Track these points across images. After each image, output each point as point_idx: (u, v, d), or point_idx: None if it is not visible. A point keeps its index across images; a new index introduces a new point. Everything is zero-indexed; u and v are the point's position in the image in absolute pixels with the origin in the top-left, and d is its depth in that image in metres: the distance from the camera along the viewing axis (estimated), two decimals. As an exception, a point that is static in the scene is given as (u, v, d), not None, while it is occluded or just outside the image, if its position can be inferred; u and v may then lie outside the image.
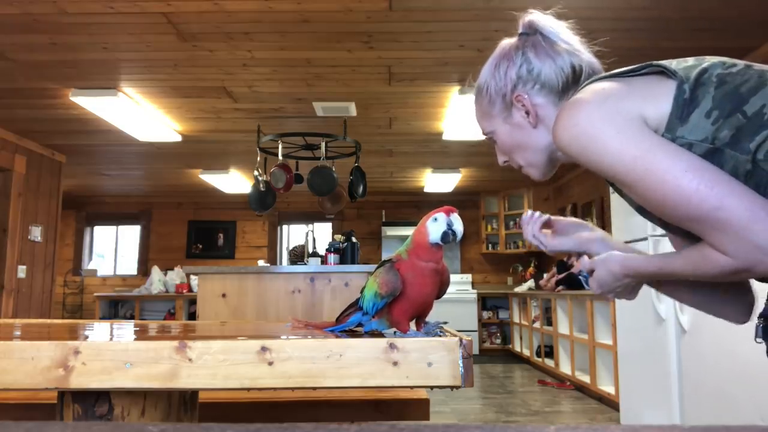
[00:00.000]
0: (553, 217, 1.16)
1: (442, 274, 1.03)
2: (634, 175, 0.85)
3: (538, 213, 1.14)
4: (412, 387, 0.92)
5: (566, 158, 1.06)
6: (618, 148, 0.86)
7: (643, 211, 0.99)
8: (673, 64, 0.92)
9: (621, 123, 0.87)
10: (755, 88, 0.84)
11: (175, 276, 7.27)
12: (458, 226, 0.98)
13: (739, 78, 0.86)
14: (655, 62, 0.92)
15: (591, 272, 1.05)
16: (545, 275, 6.02)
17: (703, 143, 0.84)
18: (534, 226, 1.13)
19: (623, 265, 1.00)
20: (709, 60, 0.91)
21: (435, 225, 0.99)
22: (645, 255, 1.02)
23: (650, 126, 0.88)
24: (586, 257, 1.08)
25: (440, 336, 0.93)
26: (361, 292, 1.08)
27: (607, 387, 4.46)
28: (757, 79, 0.85)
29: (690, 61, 0.93)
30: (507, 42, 1.10)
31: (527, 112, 1.05)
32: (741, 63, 0.90)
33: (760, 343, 0.92)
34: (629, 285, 1.03)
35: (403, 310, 1.00)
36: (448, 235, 0.98)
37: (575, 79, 1.04)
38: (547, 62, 1.04)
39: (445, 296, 1.10)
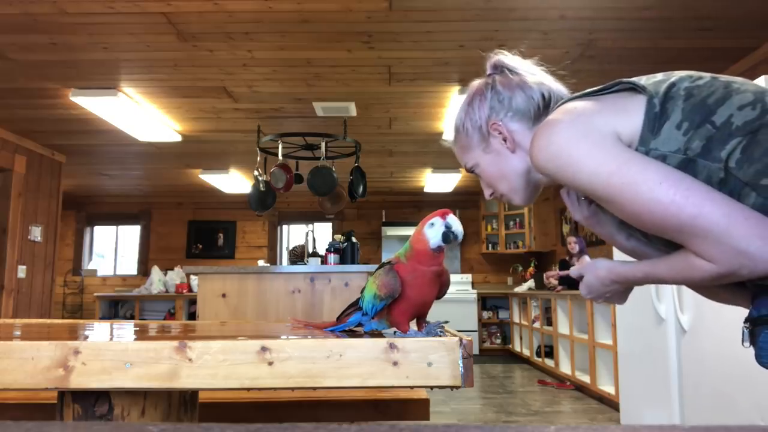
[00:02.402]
0: None
1: (441, 276, 1.03)
2: (611, 190, 0.87)
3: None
4: (412, 387, 0.92)
5: (548, 180, 1.08)
6: (593, 164, 0.88)
7: (623, 225, 1.02)
8: (642, 80, 0.94)
9: (595, 139, 0.89)
10: (722, 99, 0.87)
11: (175, 276, 7.27)
12: (457, 227, 0.99)
13: (706, 90, 0.89)
14: (624, 79, 0.95)
15: (580, 277, 1.08)
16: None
17: (676, 154, 0.86)
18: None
19: (610, 270, 1.03)
20: (677, 74, 0.94)
21: (432, 230, 0.99)
22: (632, 261, 1.04)
23: (623, 141, 0.90)
24: (576, 265, 1.12)
25: (440, 336, 0.93)
26: (361, 292, 1.08)
27: (607, 387, 4.46)
28: (723, 90, 0.88)
29: (659, 76, 0.95)
30: (476, 82, 1.15)
31: (504, 139, 1.09)
32: (707, 75, 0.93)
33: (747, 347, 0.93)
34: (617, 290, 1.06)
35: (402, 311, 1.00)
36: (449, 235, 0.98)
37: (545, 106, 1.08)
38: (517, 92, 1.09)
39: (445, 296, 1.11)
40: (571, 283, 5.55)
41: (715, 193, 0.82)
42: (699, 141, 0.85)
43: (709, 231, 0.80)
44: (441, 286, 1.04)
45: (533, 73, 1.12)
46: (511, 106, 1.08)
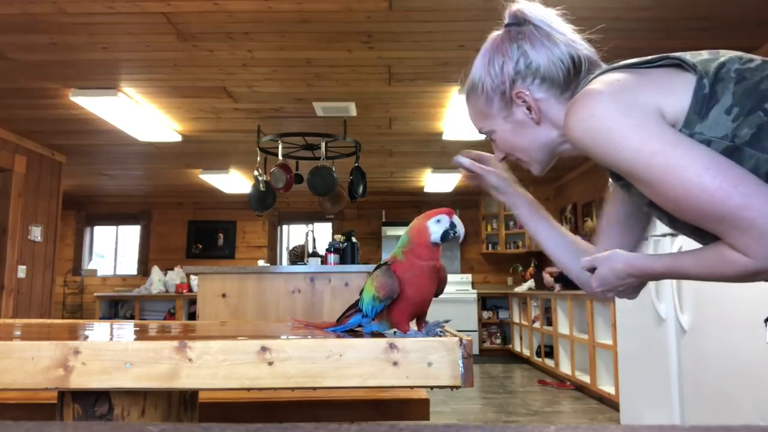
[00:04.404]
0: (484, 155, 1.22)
1: (439, 272, 1.03)
2: (653, 171, 0.81)
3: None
4: (412, 387, 0.92)
5: (572, 151, 1.01)
6: (636, 142, 0.82)
7: (652, 208, 0.95)
8: (687, 56, 0.88)
9: (639, 116, 0.83)
10: None
11: (175, 276, 7.27)
12: (461, 229, 1.00)
13: (759, 74, 0.83)
14: (672, 54, 0.89)
15: (591, 270, 1.01)
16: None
17: (722, 140, 0.82)
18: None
19: (628, 264, 0.95)
20: (725, 54, 0.88)
21: (438, 226, 1.00)
22: (650, 253, 1.00)
23: (667, 120, 0.84)
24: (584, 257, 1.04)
25: (440, 336, 0.93)
26: (360, 294, 1.08)
27: (607, 387, 4.46)
28: None
29: (705, 54, 0.89)
30: (497, 34, 1.04)
31: (529, 108, 1.00)
32: (758, 58, 0.87)
33: None
34: (632, 284, 0.98)
35: (402, 310, 1.00)
36: (448, 234, 0.99)
37: (576, 72, 0.99)
38: (545, 54, 0.98)
39: (445, 296, 1.11)
40: (568, 282, 5.53)
41: (764, 185, 0.77)
42: (749, 129, 0.80)
43: (754, 223, 0.75)
44: (439, 282, 1.04)
45: (562, 31, 1.00)
46: (539, 71, 0.98)
